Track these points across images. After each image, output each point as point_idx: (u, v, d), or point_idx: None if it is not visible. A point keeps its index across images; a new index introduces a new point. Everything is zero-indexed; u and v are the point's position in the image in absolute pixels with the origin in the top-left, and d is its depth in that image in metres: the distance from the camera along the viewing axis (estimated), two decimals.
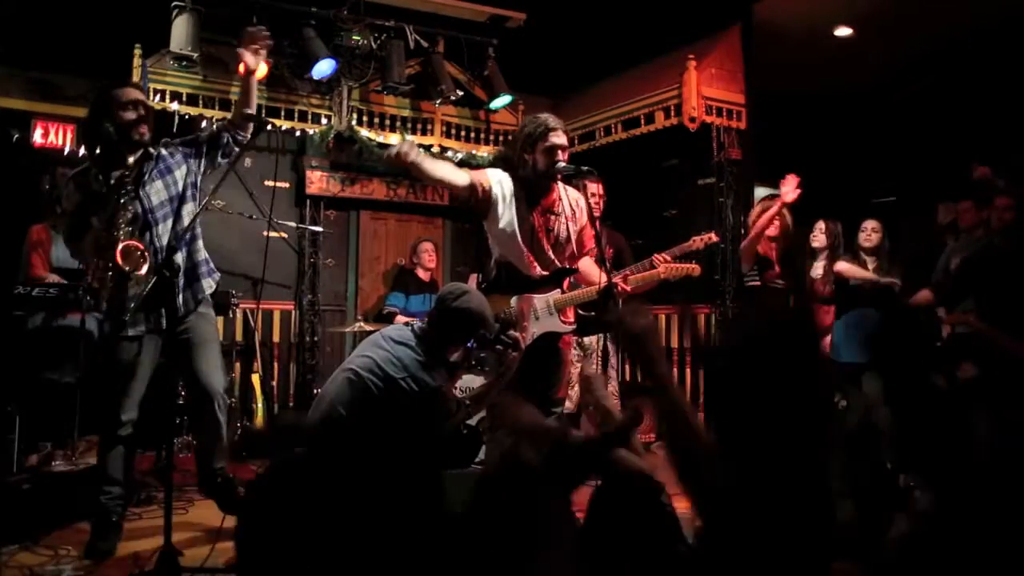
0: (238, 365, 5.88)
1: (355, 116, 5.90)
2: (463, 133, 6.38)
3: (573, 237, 3.27)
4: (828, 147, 7.22)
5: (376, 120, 6.02)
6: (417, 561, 1.77)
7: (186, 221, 3.14)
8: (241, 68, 3.27)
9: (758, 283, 4.74)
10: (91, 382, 3.94)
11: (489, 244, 3.31)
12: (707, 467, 1.39)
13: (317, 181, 6.33)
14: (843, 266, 4.92)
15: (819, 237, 5.14)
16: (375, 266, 6.79)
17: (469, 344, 3.20)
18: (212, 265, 3.37)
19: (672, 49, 6.07)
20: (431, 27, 5.89)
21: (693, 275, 3.80)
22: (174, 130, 5.05)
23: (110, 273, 3.02)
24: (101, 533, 3.08)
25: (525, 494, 1.59)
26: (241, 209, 5.30)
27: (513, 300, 3.20)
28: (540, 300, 3.20)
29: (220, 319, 5.34)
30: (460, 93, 6.04)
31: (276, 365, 6.21)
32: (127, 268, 2.94)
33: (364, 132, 5.94)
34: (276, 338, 6.25)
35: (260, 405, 5.56)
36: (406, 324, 3.18)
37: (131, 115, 3.07)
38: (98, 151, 3.15)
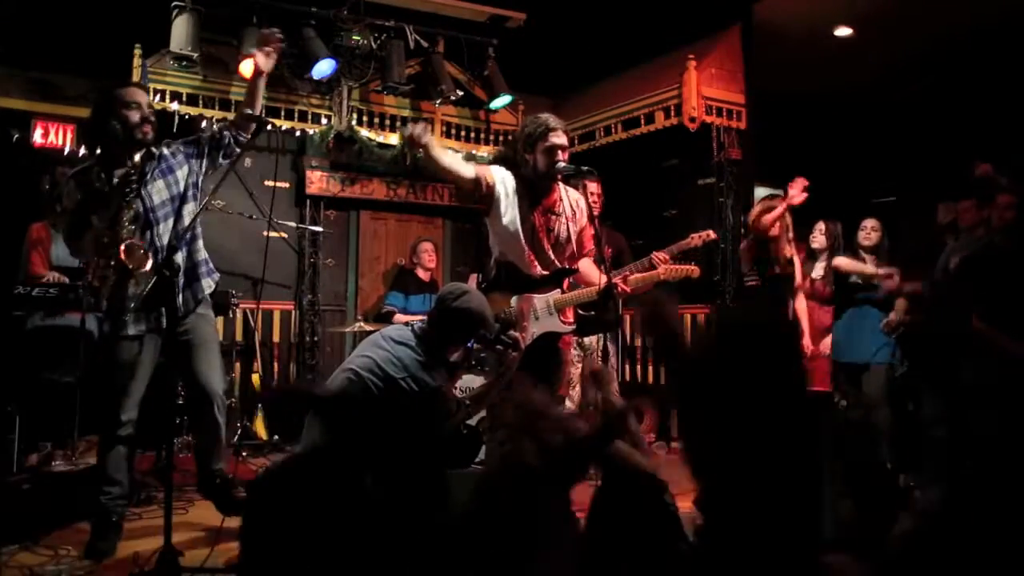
0: (238, 365, 5.88)
1: (355, 116, 5.90)
2: (463, 133, 6.38)
3: (573, 237, 3.28)
4: (828, 147, 7.22)
5: (376, 120, 6.03)
6: (418, 561, 1.77)
7: (187, 221, 3.15)
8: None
9: (757, 283, 4.74)
10: (91, 382, 3.94)
11: (489, 243, 3.32)
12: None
13: (317, 181, 6.33)
14: (841, 261, 4.93)
15: (818, 238, 5.14)
16: (375, 266, 6.79)
17: (469, 344, 3.20)
18: (212, 265, 3.38)
19: (672, 49, 6.07)
20: (431, 27, 5.89)
21: (692, 276, 3.80)
22: (174, 130, 5.05)
23: (111, 271, 3.02)
24: (101, 533, 3.08)
25: (525, 494, 1.59)
26: (241, 209, 5.30)
27: (513, 300, 3.20)
28: (540, 300, 3.20)
29: (220, 319, 5.35)
30: (460, 93, 6.05)
31: (276, 365, 6.21)
32: (130, 265, 2.95)
33: (364, 132, 5.95)
34: (276, 338, 6.25)
35: (260, 405, 5.56)
36: (406, 324, 3.17)
37: (135, 115, 3.09)
38: (101, 150, 3.17)
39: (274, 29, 3.38)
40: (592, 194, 4.44)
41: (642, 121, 6.04)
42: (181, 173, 3.21)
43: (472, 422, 3.66)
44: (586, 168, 3.16)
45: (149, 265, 2.98)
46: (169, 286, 2.80)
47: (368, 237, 6.79)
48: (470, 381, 4.40)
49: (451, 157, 3.11)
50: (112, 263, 2.99)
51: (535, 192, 3.20)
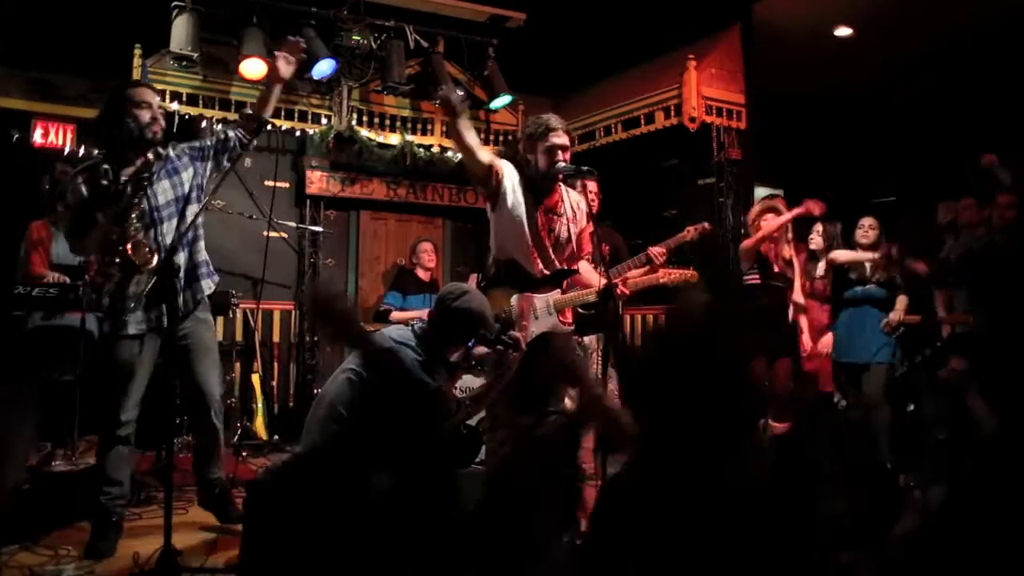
0: (238, 365, 5.88)
1: (355, 116, 5.90)
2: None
3: (573, 238, 3.30)
4: (828, 147, 7.23)
5: (376, 120, 6.03)
6: (419, 561, 1.77)
7: (189, 221, 3.18)
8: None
9: (758, 281, 4.74)
10: (91, 382, 3.94)
11: (490, 241, 3.32)
12: None
13: (317, 181, 6.33)
14: (837, 253, 4.95)
15: (816, 239, 5.15)
16: (375, 266, 6.79)
17: (469, 344, 3.20)
18: (212, 267, 3.40)
19: (672, 49, 6.07)
20: (431, 27, 5.89)
21: (691, 282, 3.81)
22: (174, 130, 5.05)
23: (115, 268, 3.04)
24: (101, 533, 3.08)
25: (526, 496, 1.59)
26: (241, 209, 5.30)
27: (513, 299, 3.21)
28: (540, 300, 3.21)
29: (220, 319, 5.35)
30: (460, 93, 6.04)
31: (276, 365, 6.21)
32: (136, 261, 2.97)
33: (364, 132, 5.95)
34: (276, 338, 6.25)
35: (260, 405, 5.56)
36: (406, 324, 3.17)
37: (146, 114, 3.13)
38: (109, 148, 3.20)
39: (299, 38, 3.45)
40: (590, 192, 4.44)
41: (642, 121, 6.03)
42: (186, 175, 3.24)
43: (472, 422, 3.66)
44: (586, 168, 3.17)
45: (155, 262, 3.00)
46: (170, 285, 2.81)
47: (368, 237, 6.79)
48: (470, 381, 4.40)
49: (474, 137, 3.14)
50: (117, 260, 3.01)
51: (537, 192, 3.22)
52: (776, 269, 4.77)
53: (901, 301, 4.88)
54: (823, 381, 5.09)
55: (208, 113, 5.41)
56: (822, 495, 1.57)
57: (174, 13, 5.06)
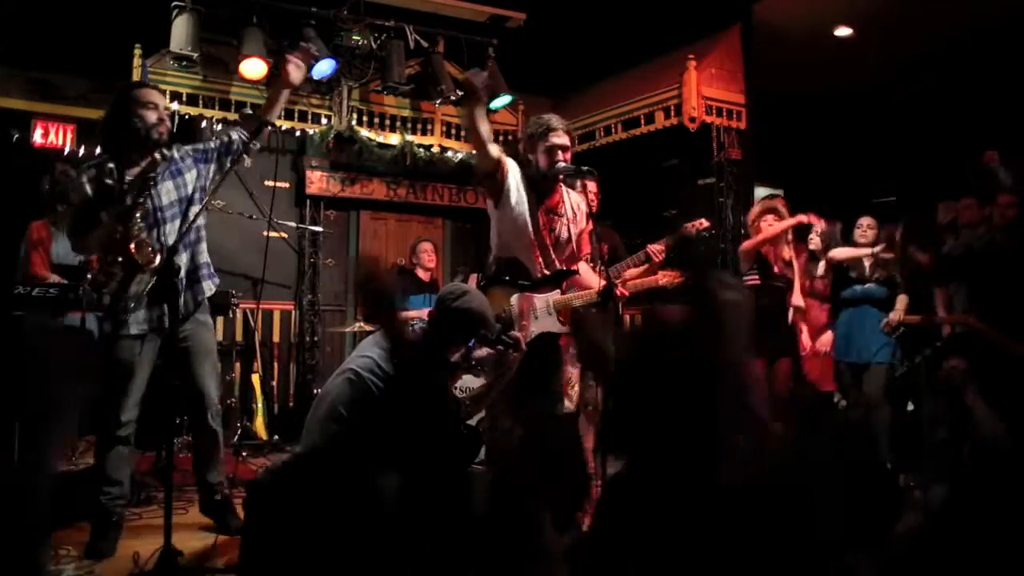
0: (238, 365, 5.88)
1: (355, 116, 5.90)
2: (463, 133, 6.38)
3: (573, 238, 3.31)
4: (828, 147, 7.23)
5: (376, 120, 6.03)
6: (418, 561, 1.77)
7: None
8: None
9: (757, 281, 4.74)
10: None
11: (490, 239, 3.32)
12: None
13: (317, 181, 6.33)
14: (836, 251, 4.95)
15: (814, 240, 5.15)
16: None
17: (469, 344, 3.20)
18: (212, 269, 3.41)
19: (672, 49, 6.07)
20: (431, 27, 5.89)
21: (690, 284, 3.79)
22: (174, 130, 5.04)
23: (118, 268, 3.05)
24: (101, 533, 3.08)
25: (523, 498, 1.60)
26: (241, 209, 5.30)
27: (513, 298, 3.21)
28: (540, 300, 3.21)
29: (220, 319, 5.36)
30: (460, 93, 6.04)
31: (276, 365, 6.22)
32: (139, 260, 2.98)
33: (364, 132, 5.95)
34: (276, 338, 6.25)
35: (260, 405, 5.56)
36: (406, 324, 3.17)
37: (152, 115, 3.15)
38: (114, 148, 3.20)
39: (311, 44, 3.54)
40: (590, 192, 4.44)
41: (642, 121, 6.03)
42: (190, 176, 3.26)
43: (472, 422, 3.65)
44: (586, 168, 3.17)
45: (158, 262, 3.02)
46: (172, 286, 2.82)
47: (368, 237, 6.79)
48: (470, 381, 4.40)
49: (488, 129, 3.14)
50: (120, 260, 3.02)
51: (539, 191, 3.23)
52: (776, 270, 4.77)
53: (901, 301, 4.88)
54: (823, 381, 5.09)
55: (208, 113, 5.41)
56: (822, 495, 1.57)
57: (174, 13, 5.06)
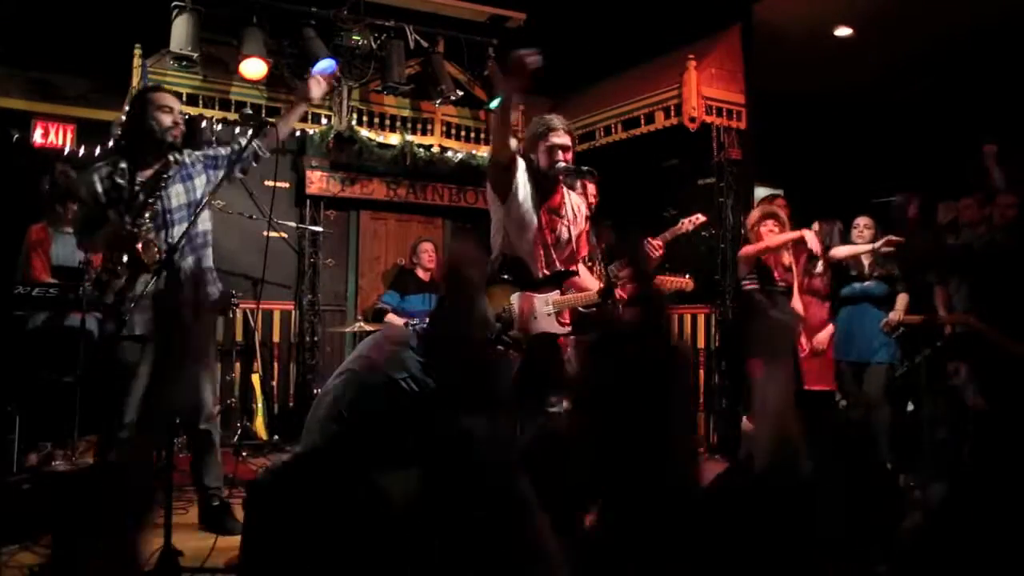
0: (238, 365, 5.88)
1: (355, 116, 5.90)
2: (463, 133, 6.38)
3: (573, 239, 3.32)
4: (828, 147, 7.22)
5: (376, 120, 6.02)
6: (417, 562, 1.76)
7: (200, 227, 3.30)
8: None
9: (756, 286, 4.73)
10: (91, 382, 3.95)
11: (491, 238, 3.33)
12: None
13: (317, 181, 6.33)
14: (837, 250, 4.95)
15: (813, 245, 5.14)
16: (375, 266, 6.79)
17: None
18: (216, 275, 3.45)
19: (672, 49, 6.07)
20: (431, 27, 5.89)
21: (686, 290, 3.82)
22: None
23: (123, 267, 3.06)
24: None
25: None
26: (241, 209, 5.29)
27: (514, 298, 3.21)
28: (540, 300, 3.21)
29: (220, 319, 5.35)
30: (460, 93, 6.04)
31: (276, 365, 6.21)
32: (145, 260, 3.01)
33: (364, 132, 5.95)
34: (276, 338, 6.25)
35: (260, 405, 5.56)
36: (406, 324, 3.18)
37: (168, 118, 3.21)
38: (128, 149, 3.26)
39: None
40: (589, 195, 4.45)
41: (642, 121, 6.03)
42: (199, 181, 3.32)
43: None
44: (586, 168, 3.18)
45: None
46: (178, 287, 2.84)
47: (368, 237, 6.79)
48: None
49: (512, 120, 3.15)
50: (125, 259, 3.05)
51: (541, 191, 3.23)
52: (777, 276, 4.75)
53: (901, 300, 4.88)
54: (823, 379, 5.08)
55: (208, 113, 5.41)
56: (822, 495, 1.57)
57: (174, 13, 5.06)
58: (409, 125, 6.14)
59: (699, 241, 5.71)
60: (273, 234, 4.79)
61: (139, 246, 3.02)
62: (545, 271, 3.24)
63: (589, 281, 3.30)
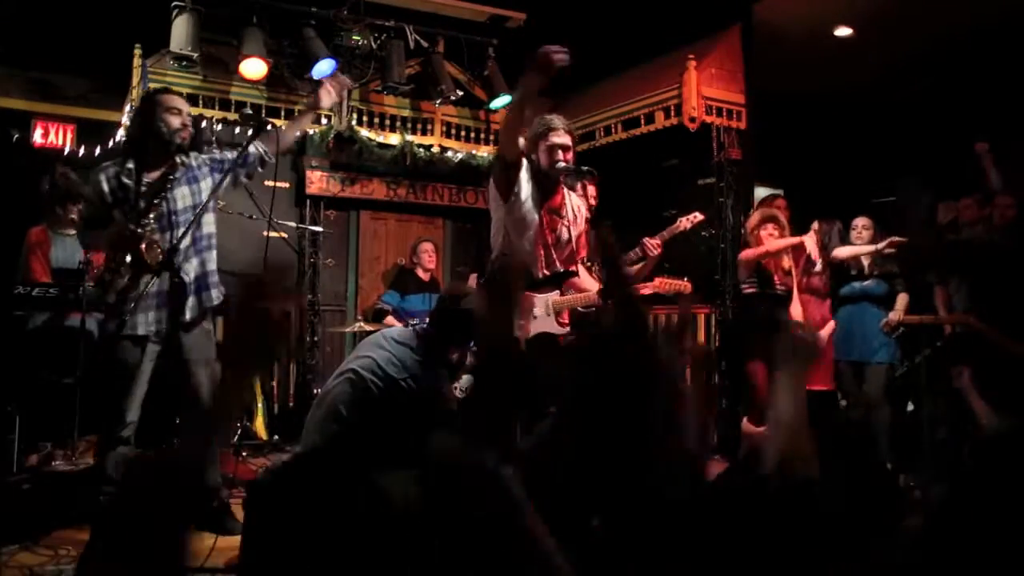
0: None
1: (355, 116, 5.90)
2: (463, 133, 6.38)
3: (573, 240, 3.32)
4: (828, 147, 7.22)
5: (376, 120, 6.02)
6: (417, 562, 1.76)
7: (204, 230, 3.32)
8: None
9: (755, 290, 4.72)
10: (91, 382, 3.95)
11: (492, 238, 3.33)
12: None
13: (317, 181, 6.33)
14: (839, 251, 4.95)
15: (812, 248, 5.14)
16: (375, 266, 6.79)
17: (470, 344, 3.20)
18: (218, 278, 3.44)
19: (672, 49, 6.07)
20: (431, 27, 5.89)
21: (684, 292, 3.81)
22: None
23: (126, 267, 3.07)
24: None
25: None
26: (241, 209, 5.29)
27: None
28: (540, 300, 3.22)
29: (220, 319, 5.34)
30: (460, 93, 6.04)
31: (276, 365, 6.21)
32: (148, 260, 3.02)
33: (364, 132, 5.95)
34: None
35: (260, 405, 5.56)
36: (406, 325, 3.18)
37: (176, 120, 3.24)
38: (136, 150, 3.27)
39: (347, 76, 3.87)
40: (589, 196, 4.45)
41: (642, 121, 6.03)
42: (205, 185, 3.34)
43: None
44: (586, 168, 3.18)
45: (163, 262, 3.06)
46: (180, 288, 2.86)
47: (368, 237, 6.79)
48: (470, 381, 4.40)
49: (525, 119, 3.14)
50: (128, 259, 3.06)
51: (542, 191, 3.23)
52: (777, 280, 4.73)
53: (901, 300, 4.88)
54: (823, 379, 5.08)
55: (208, 113, 5.40)
56: (822, 495, 1.57)
57: (174, 13, 5.06)
58: (409, 125, 6.14)
59: (699, 241, 5.71)
60: (273, 234, 4.79)
61: (143, 246, 3.04)
62: (545, 271, 3.24)
63: (588, 282, 3.31)
